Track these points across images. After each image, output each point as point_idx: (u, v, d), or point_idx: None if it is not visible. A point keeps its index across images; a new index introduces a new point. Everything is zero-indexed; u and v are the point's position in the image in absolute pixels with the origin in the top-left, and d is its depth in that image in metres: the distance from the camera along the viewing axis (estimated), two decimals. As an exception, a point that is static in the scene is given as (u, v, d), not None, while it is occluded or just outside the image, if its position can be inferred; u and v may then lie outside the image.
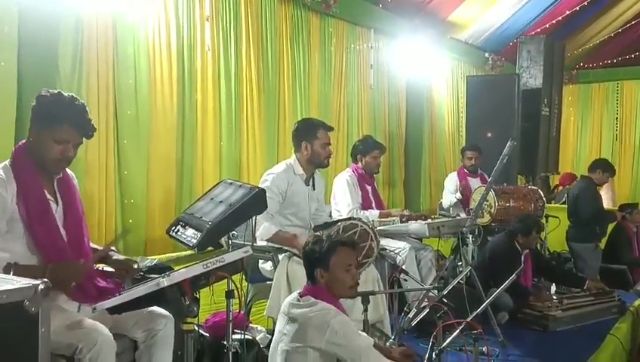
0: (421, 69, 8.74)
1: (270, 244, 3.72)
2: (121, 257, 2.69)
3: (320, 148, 3.89)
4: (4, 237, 2.35)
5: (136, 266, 2.67)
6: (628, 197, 11.10)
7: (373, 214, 4.63)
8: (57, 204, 2.52)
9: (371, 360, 2.40)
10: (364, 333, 2.60)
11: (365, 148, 4.89)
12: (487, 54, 10.30)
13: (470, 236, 4.26)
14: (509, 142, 4.02)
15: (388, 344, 3.09)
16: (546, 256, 6.08)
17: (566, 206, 6.47)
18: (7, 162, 2.46)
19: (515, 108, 6.68)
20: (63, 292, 2.40)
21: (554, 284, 5.08)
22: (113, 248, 2.77)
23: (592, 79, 13.00)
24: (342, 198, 4.67)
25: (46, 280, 1.66)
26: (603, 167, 6.20)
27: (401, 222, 4.49)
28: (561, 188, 9.40)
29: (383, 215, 4.67)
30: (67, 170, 2.63)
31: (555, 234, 6.10)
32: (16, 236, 2.38)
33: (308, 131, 3.92)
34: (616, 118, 12.89)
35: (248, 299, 3.89)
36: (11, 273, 2.20)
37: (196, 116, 5.63)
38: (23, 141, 2.52)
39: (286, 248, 3.65)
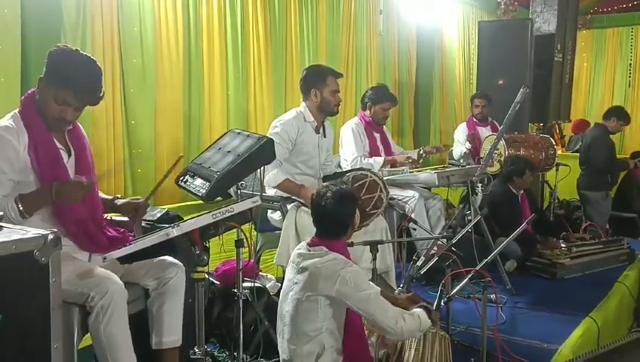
0: (432, 15, 8.52)
1: (278, 194, 3.71)
2: (125, 200, 2.71)
3: (330, 95, 3.81)
4: (15, 188, 2.34)
5: (140, 199, 2.69)
6: (640, 144, 10.96)
7: (377, 161, 4.57)
8: (69, 155, 2.51)
9: (379, 308, 2.43)
10: (371, 283, 2.62)
11: (377, 98, 4.76)
12: (499, -2, 10.02)
13: (480, 185, 4.25)
14: (521, 89, 3.95)
15: (397, 291, 3.12)
16: (536, 199, 6.04)
17: (577, 154, 6.41)
18: (16, 111, 2.43)
19: (527, 54, 6.50)
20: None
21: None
22: (118, 195, 2.79)
23: (607, 24, 12.66)
24: (347, 147, 4.61)
25: (55, 230, 1.66)
26: (618, 115, 6.09)
27: (411, 166, 4.46)
28: (572, 135, 9.32)
29: (388, 161, 4.61)
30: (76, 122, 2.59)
31: (566, 182, 6.06)
32: (28, 186, 2.36)
33: (317, 78, 3.83)
34: (630, 64, 12.61)
35: (258, 248, 3.92)
36: (19, 205, 2.23)
37: (202, 65, 5.55)
38: (32, 90, 2.46)
39: (294, 198, 3.65)
